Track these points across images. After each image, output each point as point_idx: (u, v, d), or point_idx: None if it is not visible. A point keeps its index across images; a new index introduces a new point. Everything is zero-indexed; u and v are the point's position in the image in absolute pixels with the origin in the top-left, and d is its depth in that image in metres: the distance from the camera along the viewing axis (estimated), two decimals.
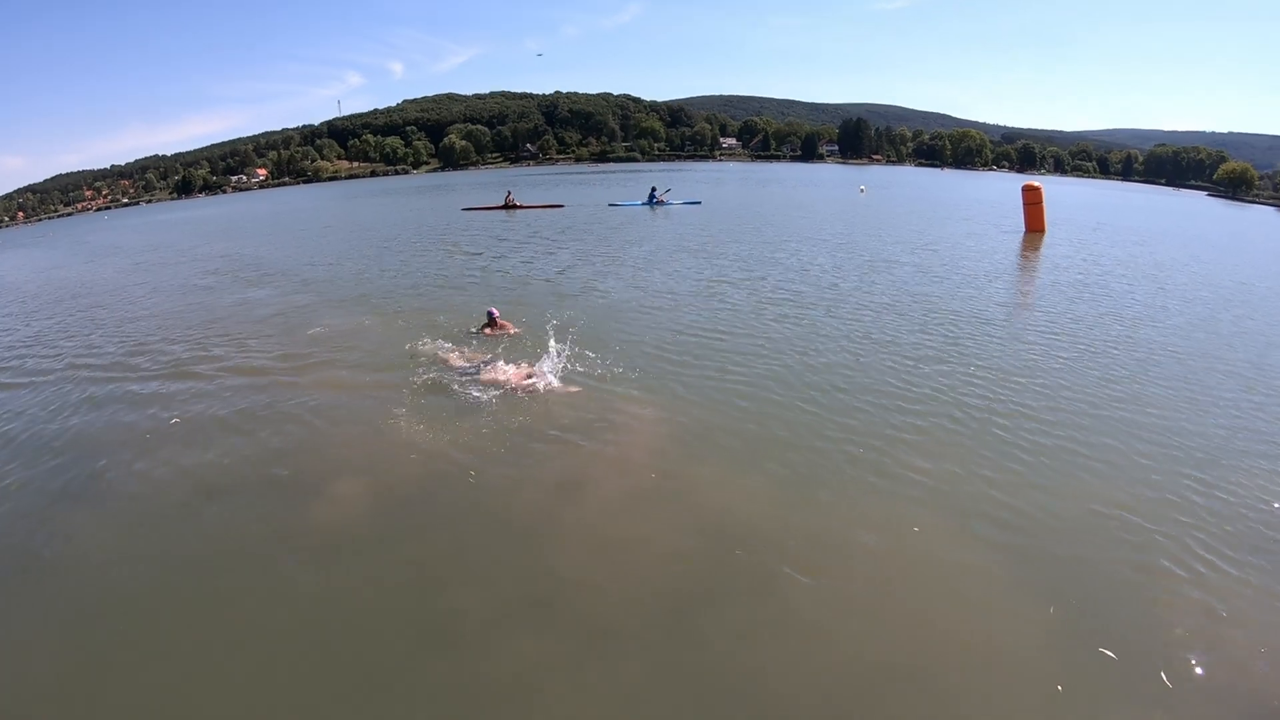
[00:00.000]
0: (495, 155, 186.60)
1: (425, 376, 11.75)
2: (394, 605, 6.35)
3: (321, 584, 6.63)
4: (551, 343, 12.04)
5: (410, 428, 9.78)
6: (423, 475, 8.53)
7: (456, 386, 11.24)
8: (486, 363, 11.91)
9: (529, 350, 12.51)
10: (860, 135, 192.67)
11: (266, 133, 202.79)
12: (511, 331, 14.21)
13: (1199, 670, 5.71)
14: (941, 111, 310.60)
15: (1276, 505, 8.39)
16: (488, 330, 14.14)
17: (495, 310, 14.46)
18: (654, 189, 47.41)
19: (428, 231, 35.46)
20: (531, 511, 7.87)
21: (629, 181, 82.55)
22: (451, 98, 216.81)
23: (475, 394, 10.89)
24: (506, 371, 11.33)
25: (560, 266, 23.27)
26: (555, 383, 10.73)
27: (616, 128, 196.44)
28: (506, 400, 10.67)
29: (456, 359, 12.54)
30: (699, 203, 47.28)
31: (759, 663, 5.77)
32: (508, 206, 43.55)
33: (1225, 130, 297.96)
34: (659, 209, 44.38)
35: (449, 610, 6.27)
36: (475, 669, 5.56)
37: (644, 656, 5.79)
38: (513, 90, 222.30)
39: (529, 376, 10.87)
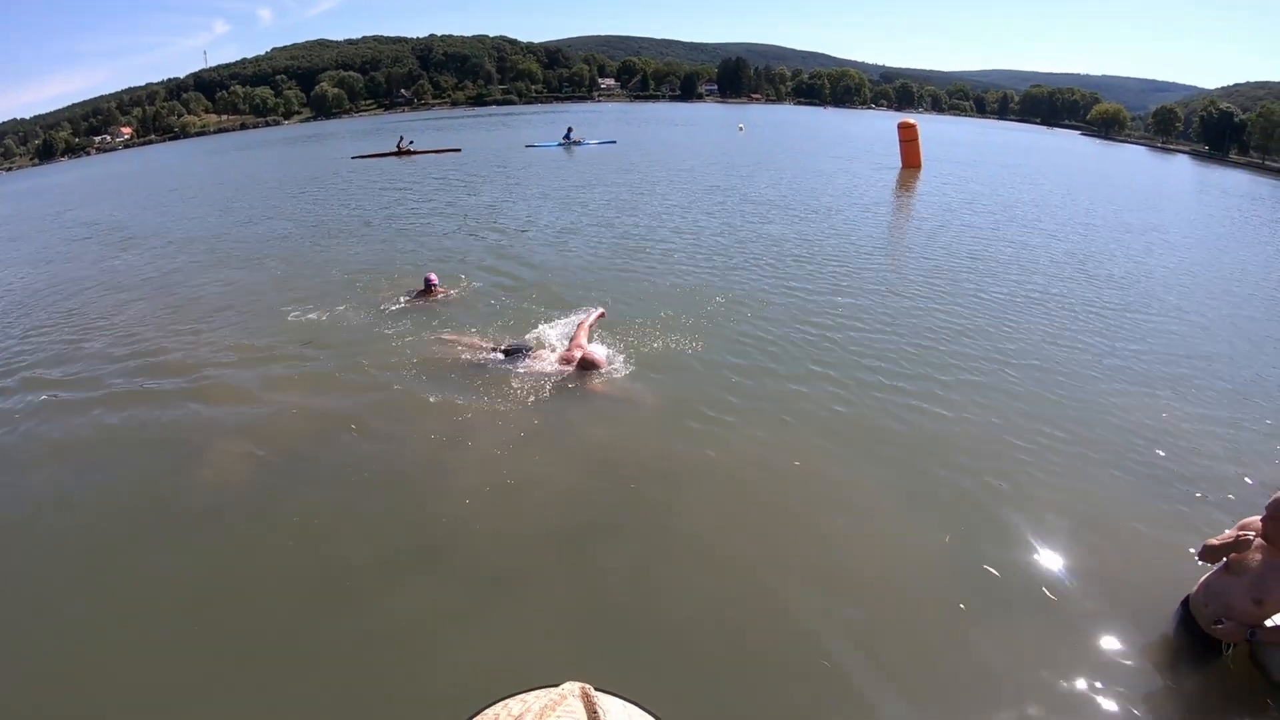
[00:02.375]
0: (369, 102, 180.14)
1: (307, 335, 11.59)
2: (283, 563, 6.28)
3: (207, 548, 6.48)
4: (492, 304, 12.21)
5: (290, 387, 9.69)
6: (304, 433, 8.44)
7: (335, 345, 11.10)
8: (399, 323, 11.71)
9: (464, 317, 12.06)
10: (739, 75, 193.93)
11: (130, 88, 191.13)
12: (448, 294, 13.16)
13: (1072, 580, 6.14)
14: (821, 51, 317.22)
15: (1125, 425, 9.05)
16: (423, 298, 12.89)
17: (434, 276, 13.11)
18: (570, 129, 48.26)
19: (318, 183, 33.63)
20: (416, 463, 7.87)
21: (514, 124, 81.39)
22: (323, 44, 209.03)
23: (353, 351, 10.77)
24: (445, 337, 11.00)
25: (491, 215, 22.51)
26: (498, 357, 10.15)
27: (493, 70, 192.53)
28: (386, 356, 10.51)
29: (354, 317, 12.25)
30: (614, 142, 48.23)
31: (659, 593, 5.93)
32: (401, 152, 42.43)
33: (1099, 73, 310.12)
34: (575, 149, 44.88)
35: (339, 565, 6.20)
36: (373, 621, 5.53)
37: (544, 596, 5.86)
38: (386, 35, 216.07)
39: (491, 348, 10.40)
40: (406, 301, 12.83)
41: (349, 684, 4.98)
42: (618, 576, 6.10)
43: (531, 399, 9.18)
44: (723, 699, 4.97)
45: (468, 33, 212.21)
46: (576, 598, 5.84)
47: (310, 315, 12.53)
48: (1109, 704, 5.01)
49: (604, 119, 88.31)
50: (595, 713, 1.00)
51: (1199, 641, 5.39)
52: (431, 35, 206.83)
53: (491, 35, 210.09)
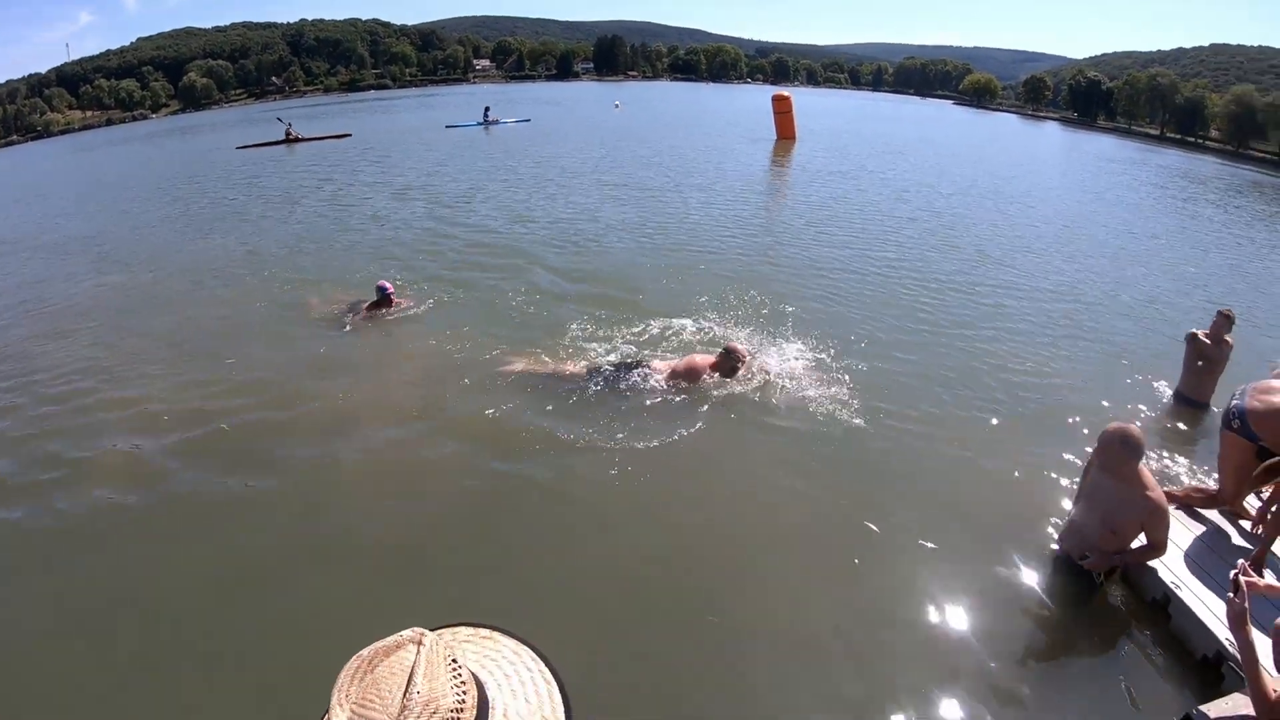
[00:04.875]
0: (239, 92, 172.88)
1: (194, 338, 11.25)
2: (181, 563, 6.20)
3: (105, 558, 6.37)
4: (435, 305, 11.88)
5: (162, 391, 9.42)
6: (183, 435, 8.23)
7: (200, 341, 10.95)
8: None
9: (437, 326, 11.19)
10: (615, 52, 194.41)
11: None
12: (408, 306, 11.76)
13: (954, 526, 6.55)
14: (697, 27, 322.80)
15: (995, 376, 9.83)
16: (378, 310, 11.50)
17: (388, 284, 11.58)
18: (488, 109, 49.90)
19: (205, 177, 31.25)
20: (302, 455, 7.81)
21: (394, 109, 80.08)
22: (190, 32, 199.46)
23: (217, 347, 10.63)
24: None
25: (437, 202, 21.68)
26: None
27: (366, 55, 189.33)
28: (253, 350, 10.49)
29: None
30: (529, 120, 50.66)
31: (564, 562, 6.15)
32: (289, 140, 41.08)
33: (971, 45, 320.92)
34: (493, 128, 46.45)
35: (238, 558, 6.21)
36: (279, 607, 5.59)
37: (450, 572, 6.04)
38: (255, 20, 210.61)
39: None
40: (350, 313, 11.60)
41: (263, 669, 5.05)
42: (520, 551, 6.31)
43: (408, 384, 9.40)
44: (624, 643, 5.30)
45: (339, 16, 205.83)
46: (481, 571, 6.04)
47: (208, 320, 12.08)
48: (995, 641, 5.35)
49: (482, 102, 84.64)
50: (421, 650, 1.21)
51: (1075, 573, 5.81)
52: (302, 20, 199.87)
53: (364, 18, 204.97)
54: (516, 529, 6.61)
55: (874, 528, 6.49)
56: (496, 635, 1.50)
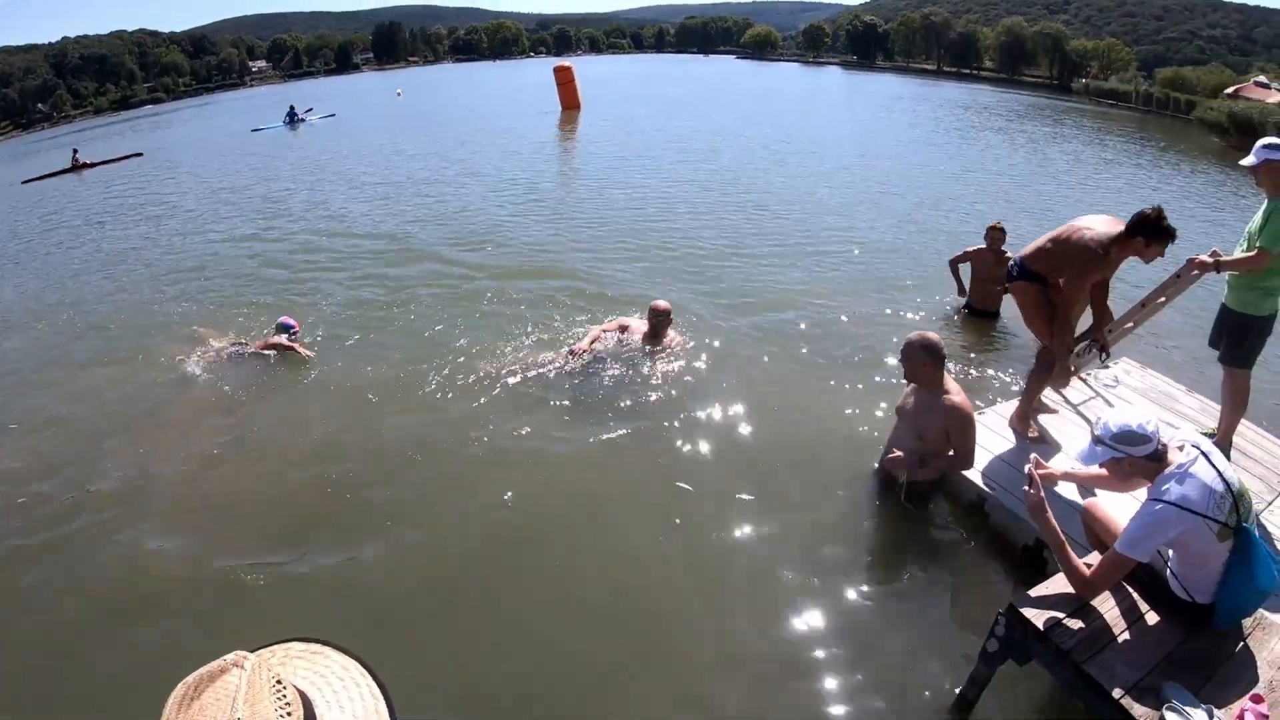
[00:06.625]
0: (4, 124, 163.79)
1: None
2: (35, 604, 5.82)
3: None
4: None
5: None
6: None
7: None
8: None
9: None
10: (395, 39, 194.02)
11: None
12: (301, 353, 9.83)
13: (771, 472, 6.72)
14: (474, 6, 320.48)
15: (796, 317, 10.23)
16: (271, 351, 9.79)
17: (292, 320, 10.10)
18: (292, 107, 50.48)
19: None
20: (118, 483, 7.25)
21: (172, 122, 72.38)
22: None
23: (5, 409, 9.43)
24: None
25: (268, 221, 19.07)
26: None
27: (136, 68, 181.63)
28: (48, 408, 9.26)
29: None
30: (334, 115, 51.40)
31: (410, 542, 6.14)
32: (77, 168, 37.88)
33: (750, 0, 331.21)
34: (301, 126, 47.49)
35: (70, 614, 5.65)
36: (118, 659, 5.11)
37: (308, 570, 5.84)
38: (14, 44, 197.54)
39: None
40: (245, 351, 10.03)
41: None
42: (366, 539, 6.17)
43: (214, 393, 8.99)
44: (451, 642, 5.22)
45: (104, 30, 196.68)
46: (332, 570, 5.88)
47: None
48: (827, 569, 5.52)
49: (260, 105, 73.59)
50: (243, 673, 1.18)
51: (894, 489, 5.98)
52: (65, 38, 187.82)
53: (130, 29, 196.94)
54: (327, 545, 6.25)
55: (689, 487, 6.53)
56: (326, 650, 1.52)
